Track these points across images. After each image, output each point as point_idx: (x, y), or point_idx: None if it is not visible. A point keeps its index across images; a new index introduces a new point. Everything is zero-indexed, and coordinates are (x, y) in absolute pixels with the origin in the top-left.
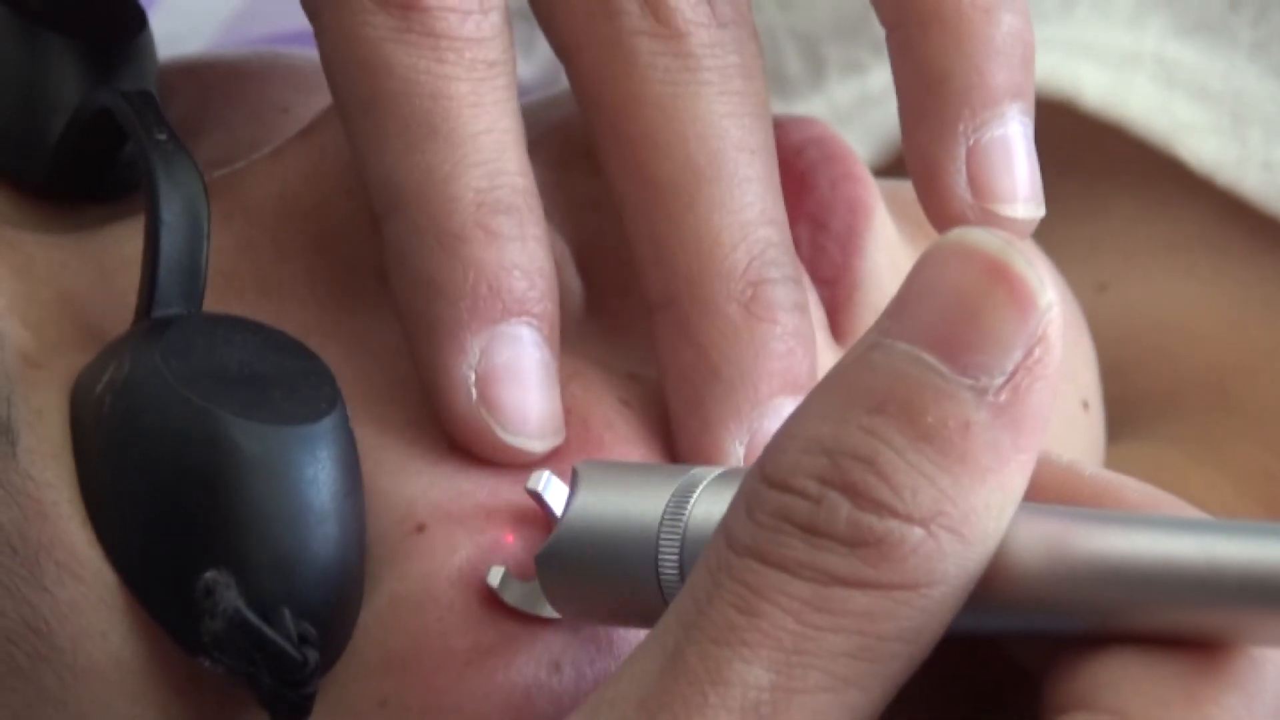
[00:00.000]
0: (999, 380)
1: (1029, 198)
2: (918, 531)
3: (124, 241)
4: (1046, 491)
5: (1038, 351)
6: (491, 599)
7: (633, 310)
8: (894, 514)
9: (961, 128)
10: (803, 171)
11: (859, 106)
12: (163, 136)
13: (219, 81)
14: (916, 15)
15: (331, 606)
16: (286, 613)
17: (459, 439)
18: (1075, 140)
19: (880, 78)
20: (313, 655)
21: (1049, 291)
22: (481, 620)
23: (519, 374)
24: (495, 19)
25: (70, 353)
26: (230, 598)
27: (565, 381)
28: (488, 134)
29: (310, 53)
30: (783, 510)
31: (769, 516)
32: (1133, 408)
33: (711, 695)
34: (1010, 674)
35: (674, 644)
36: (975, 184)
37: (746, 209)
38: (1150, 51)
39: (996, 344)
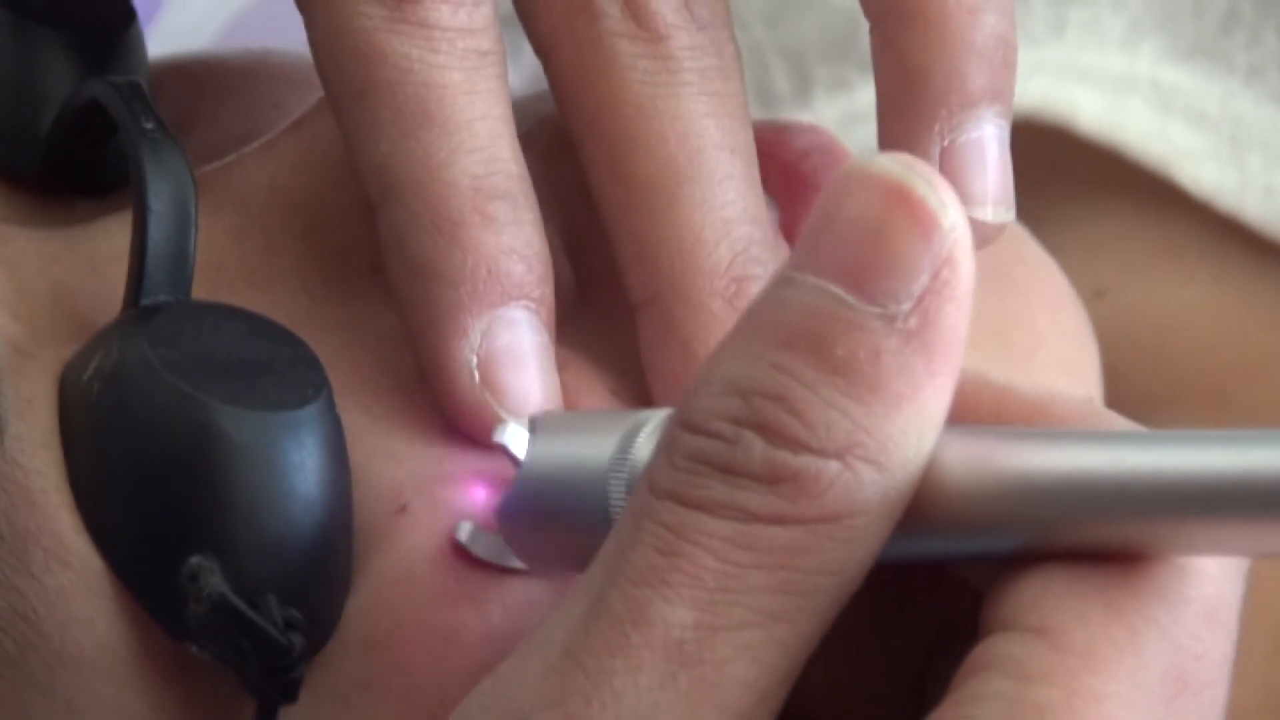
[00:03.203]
0: (907, 306)
1: (999, 201)
2: (833, 465)
3: (115, 236)
4: (983, 412)
5: (945, 274)
6: (469, 574)
7: (624, 301)
8: (808, 449)
9: (937, 128)
10: (807, 176)
11: (845, 124)
12: (151, 126)
13: (209, 78)
14: (901, 10)
15: (317, 591)
16: (272, 598)
17: (461, 423)
18: (1071, 153)
19: (866, 96)
20: (298, 640)
21: (951, 212)
22: (460, 597)
23: (520, 357)
24: (486, 11)
25: (60, 343)
26: (214, 582)
27: (558, 370)
28: (482, 121)
29: (300, 51)
30: (699, 453)
31: (686, 460)
32: (1130, 410)
33: (634, 635)
34: (972, 599)
35: (598, 588)
36: None
37: (728, 207)
38: (1145, 75)
39: (901, 269)
